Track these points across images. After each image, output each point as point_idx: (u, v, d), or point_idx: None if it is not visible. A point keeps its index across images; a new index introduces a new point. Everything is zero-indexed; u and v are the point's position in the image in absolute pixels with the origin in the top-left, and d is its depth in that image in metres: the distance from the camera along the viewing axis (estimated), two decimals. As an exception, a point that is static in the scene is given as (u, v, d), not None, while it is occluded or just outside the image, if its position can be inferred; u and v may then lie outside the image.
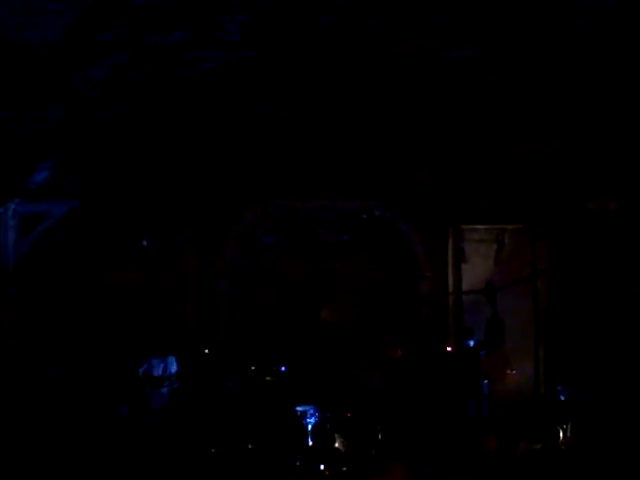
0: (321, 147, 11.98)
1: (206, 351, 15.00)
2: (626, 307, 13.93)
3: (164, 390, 13.66)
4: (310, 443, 12.49)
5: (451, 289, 15.40)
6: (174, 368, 13.89)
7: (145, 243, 13.87)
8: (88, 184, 14.40)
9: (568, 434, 9.76)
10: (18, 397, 12.69)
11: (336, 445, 12.24)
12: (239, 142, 10.62)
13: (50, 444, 9.94)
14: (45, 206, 14.83)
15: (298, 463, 11.30)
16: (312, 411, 13.12)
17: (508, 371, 13.51)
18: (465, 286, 14.63)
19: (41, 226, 14.96)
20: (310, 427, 12.94)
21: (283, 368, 14.29)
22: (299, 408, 13.36)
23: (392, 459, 9.03)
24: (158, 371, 13.67)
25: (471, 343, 13.44)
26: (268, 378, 14.20)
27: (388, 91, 11.48)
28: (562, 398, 13.28)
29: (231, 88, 14.89)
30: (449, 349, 15.10)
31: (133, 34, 11.88)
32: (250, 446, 12.23)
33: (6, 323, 13.50)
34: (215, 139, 12.46)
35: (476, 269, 14.12)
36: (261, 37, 11.45)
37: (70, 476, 9.16)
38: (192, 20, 11.00)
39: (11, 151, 11.87)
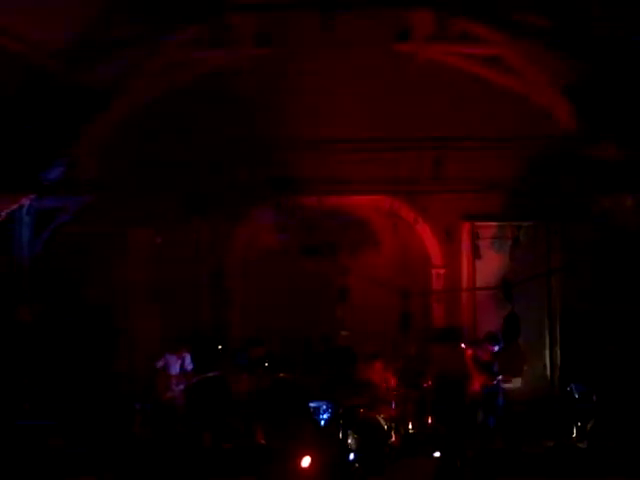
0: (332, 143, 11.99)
1: (219, 347, 15.02)
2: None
3: (180, 386, 13.69)
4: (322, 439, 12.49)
5: (465, 286, 15.39)
6: (190, 365, 13.91)
7: (159, 240, 13.88)
8: (102, 181, 14.46)
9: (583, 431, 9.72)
10: (32, 390, 12.81)
11: (349, 441, 12.23)
12: (251, 139, 10.66)
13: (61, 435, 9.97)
14: (60, 202, 14.89)
15: (310, 459, 11.27)
16: (325, 407, 13.11)
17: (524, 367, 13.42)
18: (479, 283, 14.59)
19: (55, 222, 15.03)
20: (323, 423, 12.93)
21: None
22: (312, 404, 13.36)
23: (405, 455, 9.02)
24: (175, 368, 13.69)
25: (496, 348, 13.34)
26: (282, 375, 14.20)
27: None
28: (576, 396, 13.25)
29: (239, 86, 14.98)
30: (462, 346, 15.08)
31: (143, 33, 12.00)
32: (263, 442, 12.26)
33: (22, 316, 13.58)
34: (228, 136, 12.50)
35: (491, 266, 14.07)
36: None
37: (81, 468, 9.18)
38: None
39: (26, 148, 11.95)
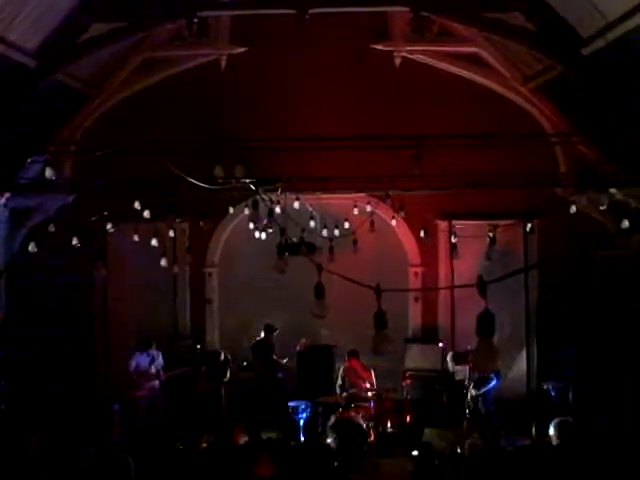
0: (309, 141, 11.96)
1: (198, 347, 14.99)
2: (617, 302, 13.95)
3: (151, 384, 13.70)
4: (302, 438, 12.49)
5: (443, 284, 15.43)
6: (161, 361, 13.92)
7: (136, 238, 13.81)
8: (80, 179, 14.37)
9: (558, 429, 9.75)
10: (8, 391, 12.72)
11: (327, 440, 12.22)
12: (229, 137, 10.64)
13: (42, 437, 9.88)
14: (37, 200, 14.80)
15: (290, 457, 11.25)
16: (304, 406, 13.11)
17: (498, 365, 13.45)
18: (457, 281, 14.62)
19: (33, 221, 14.94)
20: (302, 422, 12.93)
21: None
22: (291, 403, 13.35)
23: (383, 455, 9.03)
24: (146, 366, 13.70)
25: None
26: (261, 372, 14.23)
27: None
28: (552, 393, 13.34)
29: (216, 83, 14.96)
30: (440, 345, 15.13)
31: (120, 31, 11.93)
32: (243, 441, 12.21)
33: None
34: (205, 134, 12.42)
35: (468, 264, 14.12)
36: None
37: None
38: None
39: (3, 145, 11.86)
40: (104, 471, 7.40)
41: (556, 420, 8.75)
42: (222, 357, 14.48)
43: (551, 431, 8.67)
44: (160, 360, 13.92)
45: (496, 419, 13.22)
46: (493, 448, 8.95)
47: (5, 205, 13.91)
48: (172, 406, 13.80)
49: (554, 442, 8.61)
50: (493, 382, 13.19)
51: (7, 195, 13.62)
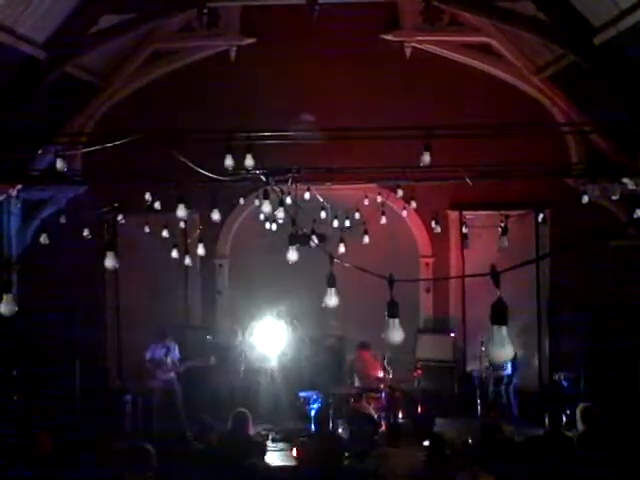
0: (320, 132, 11.95)
1: (209, 337, 15.01)
2: (629, 292, 13.91)
3: (167, 376, 13.71)
4: (313, 429, 12.49)
5: (454, 275, 15.41)
6: (177, 355, 13.94)
7: (147, 229, 13.84)
8: (92, 170, 14.38)
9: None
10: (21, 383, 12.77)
11: (339, 431, 12.26)
12: (239, 128, 10.63)
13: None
14: (48, 192, 14.83)
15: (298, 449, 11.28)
16: (315, 397, 13.13)
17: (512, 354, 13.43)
18: (468, 272, 14.61)
19: (44, 212, 14.98)
20: (313, 413, 12.94)
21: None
22: (302, 394, 13.37)
23: (394, 446, 9.03)
24: (161, 358, 13.71)
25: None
26: (270, 364, 14.24)
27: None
28: (564, 384, 13.32)
29: (226, 75, 14.95)
30: (452, 335, 15.12)
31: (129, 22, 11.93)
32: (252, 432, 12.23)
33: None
34: (215, 125, 12.40)
35: (479, 254, 14.09)
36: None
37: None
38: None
39: (14, 137, 11.88)
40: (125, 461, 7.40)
41: (581, 406, 8.78)
42: (237, 349, 14.48)
43: (577, 417, 8.70)
44: (176, 352, 13.94)
45: (515, 411, 13.27)
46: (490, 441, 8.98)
47: (17, 197, 13.94)
48: (187, 397, 13.80)
49: (579, 427, 8.64)
50: (508, 367, 13.27)
51: (18, 187, 13.64)
